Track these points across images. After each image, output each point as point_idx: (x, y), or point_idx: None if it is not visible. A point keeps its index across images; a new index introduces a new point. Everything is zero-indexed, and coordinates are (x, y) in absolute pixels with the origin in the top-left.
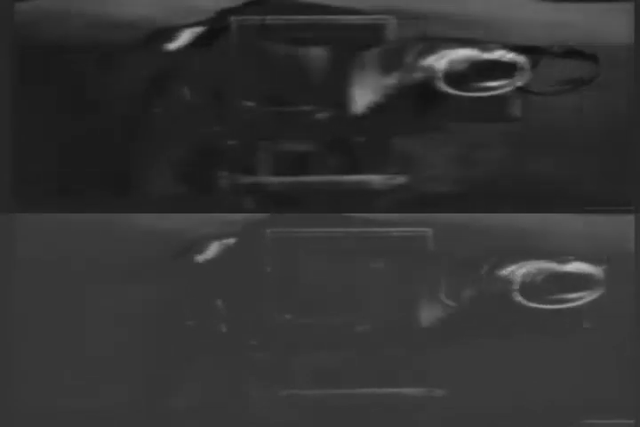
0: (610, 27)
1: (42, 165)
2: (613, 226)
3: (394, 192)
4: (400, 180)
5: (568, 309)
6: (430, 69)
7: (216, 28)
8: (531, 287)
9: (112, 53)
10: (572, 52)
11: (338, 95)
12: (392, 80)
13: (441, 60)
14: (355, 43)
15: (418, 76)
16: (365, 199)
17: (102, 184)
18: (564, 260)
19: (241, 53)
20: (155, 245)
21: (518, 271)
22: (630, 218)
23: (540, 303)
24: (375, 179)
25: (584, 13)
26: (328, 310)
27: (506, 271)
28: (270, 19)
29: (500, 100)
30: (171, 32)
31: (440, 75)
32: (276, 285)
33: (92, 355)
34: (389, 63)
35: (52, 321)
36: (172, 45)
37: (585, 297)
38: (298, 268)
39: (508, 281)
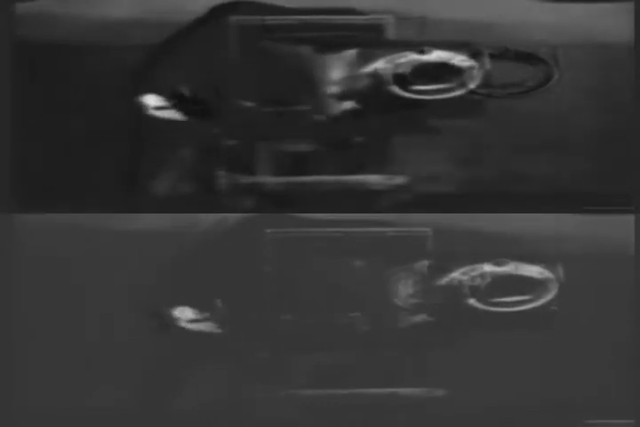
0: (610, 27)
1: (42, 165)
2: (613, 226)
3: (394, 192)
4: (400, 180)
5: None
6: (376, 74)
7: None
8: (480, 291)
9: (112, 54)
10: (522, 55)
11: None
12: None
13: (386, 65)
14: (356, 42)
15: (365, 81)
16: (365, 199)
17: (103, 184)
18: (501, 262)
19: (241, 53)
20: (155, 246)
21: (466, 275)
22: (630, 218)
23: (491, 307)
24: (375, 179)
25: (584, 13)
26: (328, 310)
27: (453, 276)
28: (270, 19)
29: (461, 102)
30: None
31: (389, 79)
32: (276, 285)
33: (92, 355)
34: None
35: (52, 321)
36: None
37: (533, 300)
38: (297, 268)
39: (457, 286)
